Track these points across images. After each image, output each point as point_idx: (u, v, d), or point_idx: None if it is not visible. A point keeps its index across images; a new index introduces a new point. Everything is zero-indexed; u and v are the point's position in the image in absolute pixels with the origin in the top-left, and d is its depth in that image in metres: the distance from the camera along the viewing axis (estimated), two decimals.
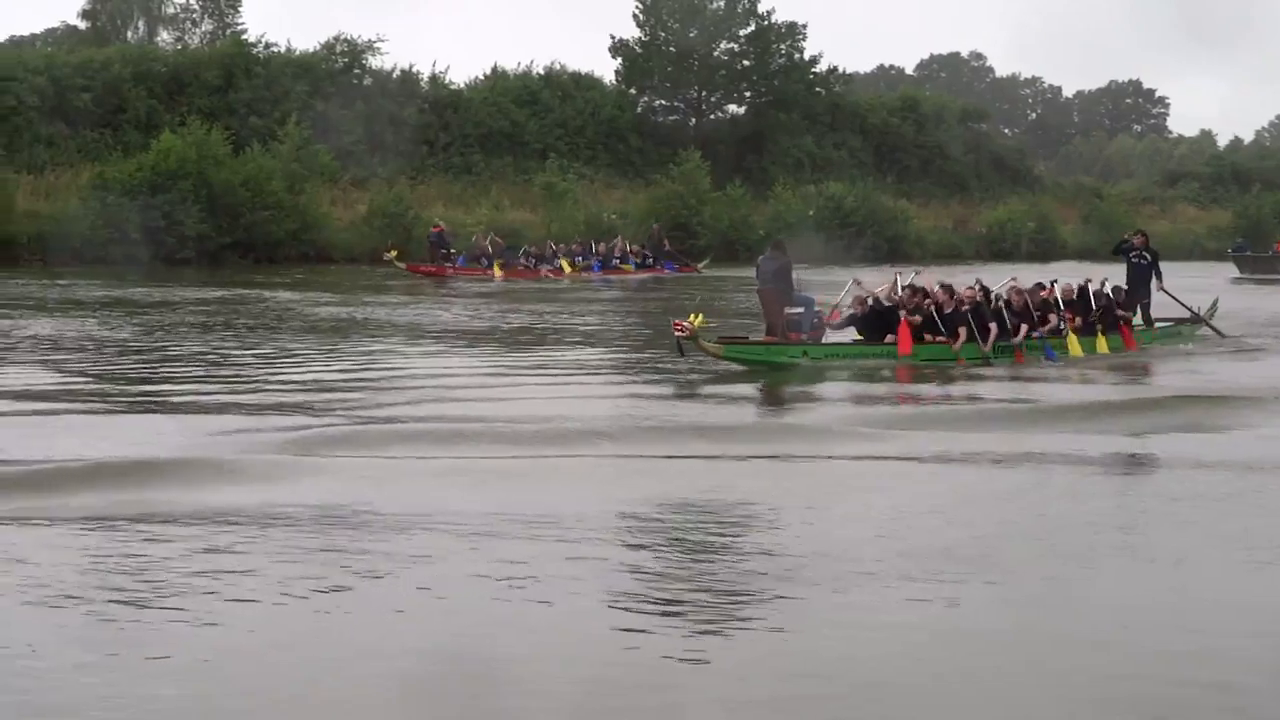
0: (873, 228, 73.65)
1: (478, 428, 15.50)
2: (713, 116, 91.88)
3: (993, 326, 23.73)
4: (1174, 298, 29.13)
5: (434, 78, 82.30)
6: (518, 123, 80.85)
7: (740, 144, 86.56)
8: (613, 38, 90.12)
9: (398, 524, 10.74)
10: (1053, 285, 26.17)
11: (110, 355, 23.93)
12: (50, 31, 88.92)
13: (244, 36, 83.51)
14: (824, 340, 23.76)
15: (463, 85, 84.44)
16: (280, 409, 17.31)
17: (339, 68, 77.68)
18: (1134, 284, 28.14)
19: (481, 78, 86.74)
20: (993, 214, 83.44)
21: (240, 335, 27.87)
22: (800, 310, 23.56)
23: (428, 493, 12.17)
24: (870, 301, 24.24)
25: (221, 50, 77.65)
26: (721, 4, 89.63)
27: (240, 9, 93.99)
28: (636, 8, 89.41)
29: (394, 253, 51.66)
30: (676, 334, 21.81)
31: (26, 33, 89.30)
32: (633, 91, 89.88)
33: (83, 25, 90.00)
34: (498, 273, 50.40)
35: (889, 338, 23.43)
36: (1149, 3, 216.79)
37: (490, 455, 14.01)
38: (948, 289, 24.36)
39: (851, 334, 24.36)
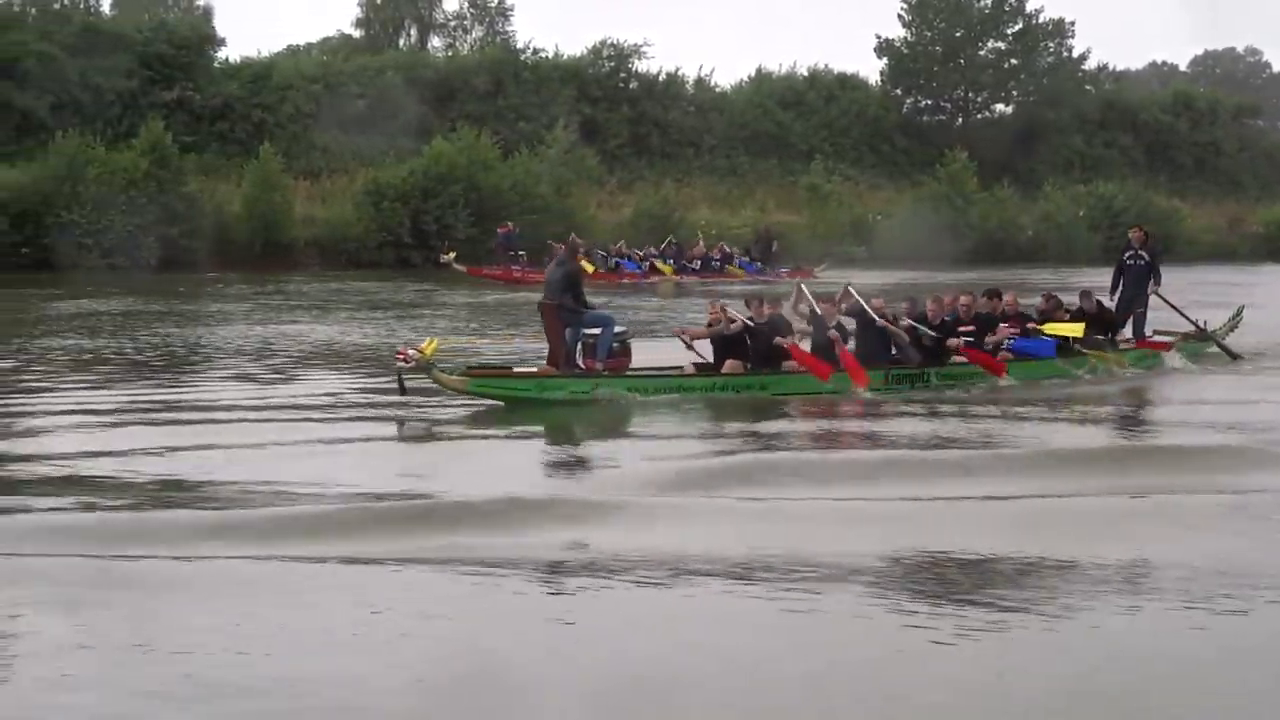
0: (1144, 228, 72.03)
1: None
2: (979, 116, 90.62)
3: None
4: (1171, 305, 24.82)
5: (699, 80, 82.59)
6: (782, 124, 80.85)
7: (1007, 143, 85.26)
8: (878, 38, 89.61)
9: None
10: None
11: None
12: (326, 40, 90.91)
13: (513, 42, 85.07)
14: (630, 369, 19.22)
15: (728, 87, 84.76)
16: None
17: (606, 72, 78.36)
18: (1126, 290, 24.20)
19: (746, 80, 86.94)
20: (1269, 213, 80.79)
21: None
22: (596, 331, 19.00)
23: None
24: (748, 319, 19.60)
25: (491, 56, 78.84)
26: (988, 2, 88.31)
27: (511, 16, 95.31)
28: (902, 8, 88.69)
29: (452, 254, 49.12)
30: (398, 364, 17.63)
31: (303, 42, 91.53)
32: (898, 92, 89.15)
33: (357, 34, 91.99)
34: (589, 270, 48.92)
35: (729, 364, 19.17)
36: None
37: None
38: (830, 299, 20.55)
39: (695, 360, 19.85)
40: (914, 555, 10.32)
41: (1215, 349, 24.20)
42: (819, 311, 20.03)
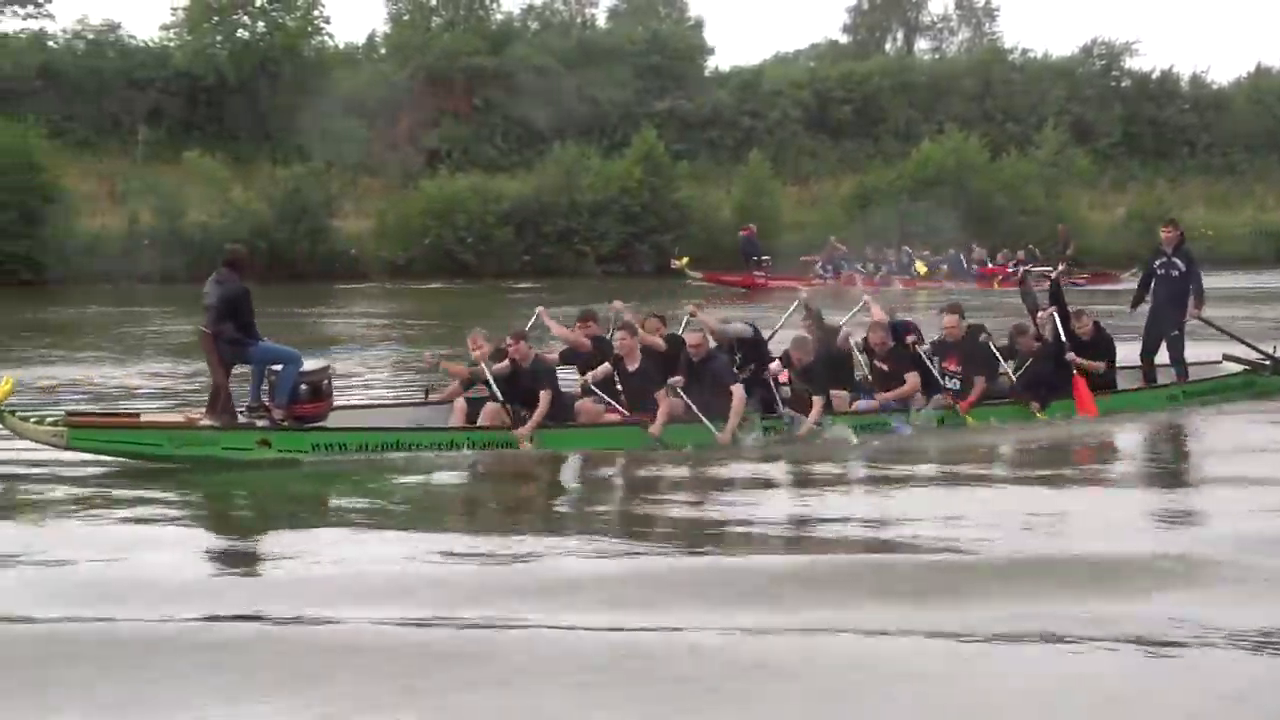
0: None
1: None
2: None
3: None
4: (1222, 330, 19.61)
5: (1195, 77, 79.85)
6: None
7: None
8: None
9: None
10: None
11: None
12: (814, 47, 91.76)
13: (1000, 43, 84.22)
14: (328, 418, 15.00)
15: (1225, 84, 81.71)
16: None
17: (1096, 70, 76.64)
18: (1156, 307, 18.94)
19: (1245, 76, 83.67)
20: None
21: None
22: (279, 368, 14.63)
23: None
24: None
25: (979, 58, 78.22)
26: None
27: (997, 16, 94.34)
28: None
29: (684, 260, 46.31)
30: None
31: (792, 50, 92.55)
32: None
33: (844, 39, 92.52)
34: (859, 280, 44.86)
35: (486, 411, 15.25)
36: None
37: None
38: (628, 327, 16.13)
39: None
40: None
41: None
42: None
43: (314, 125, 57.76)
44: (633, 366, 15.64)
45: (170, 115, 56.89)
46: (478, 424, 15.16)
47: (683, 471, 14.40)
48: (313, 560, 10.60)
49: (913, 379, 16.53)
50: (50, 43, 60.36)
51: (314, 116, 58.05)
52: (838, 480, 14.34)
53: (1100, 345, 17.87)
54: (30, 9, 61.43)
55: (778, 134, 66.87)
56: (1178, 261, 18.75)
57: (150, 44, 61.90)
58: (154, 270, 45.88)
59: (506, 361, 15.42)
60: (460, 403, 15.51)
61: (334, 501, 13.35)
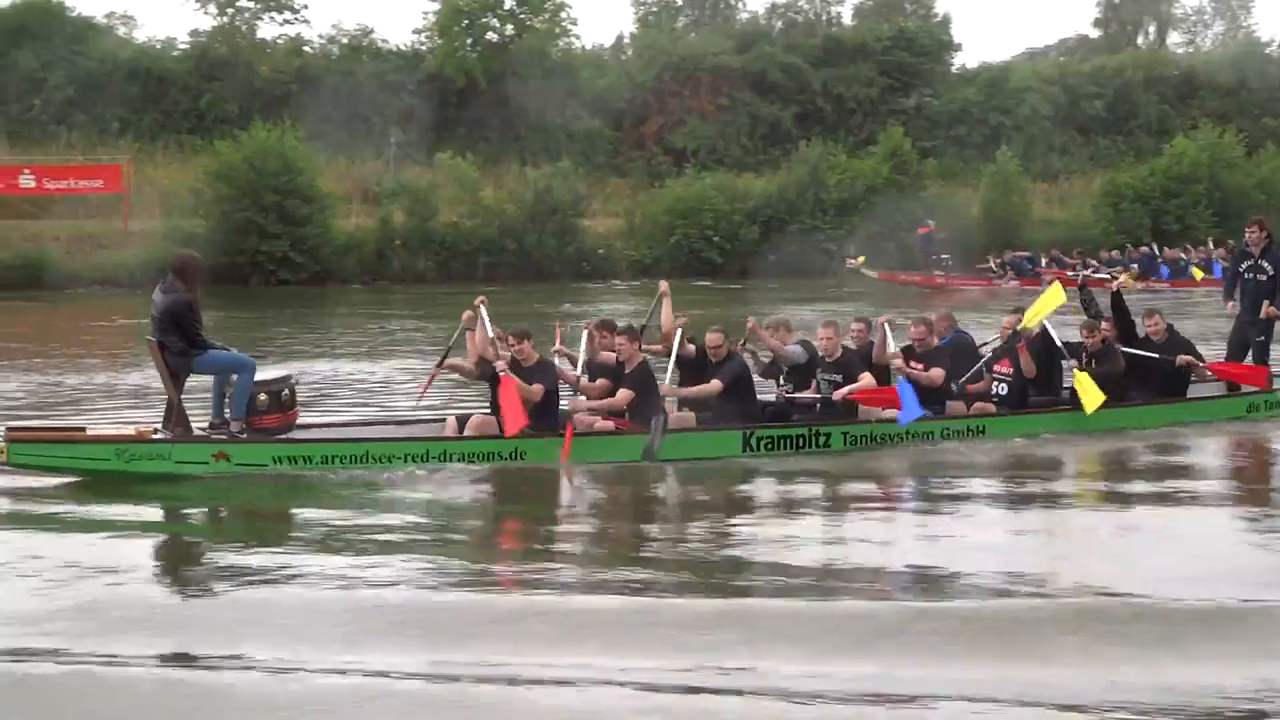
0: None
1: None
2: None
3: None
4: None
5: None
6: None
7: None
8: None
9: None
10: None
11: None
12: (1063, 42, 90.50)
13: (1256, 36, 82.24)
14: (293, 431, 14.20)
15: None
16: None
17: None
18: (1243, 313, 17.73)
19: None
20: None
21: None
22: (234, 376, 13.83)
23: None
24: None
25: (1234, 51, 76.41)
26: None
27: (1252, 9, 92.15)
28: None
29: (860, 259, 44.88)
30: None
31: (1041, 45, 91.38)
32: None
33: (1094, 34, 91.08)
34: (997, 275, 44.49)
35: (474, 421, 14.49)
36: None
37: None
38: (608, 325, 15.78)
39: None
40: None
41: None
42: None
43: (563, 126, 58.51)
44: (629, 369, 14.99)
45: (422, 117, 57.84)
46: (463, 435, 14.33)
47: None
48: (272, 588, 9.71)
49: (935, 372, 15.53)
50: (306, 48, 61.98)
51: (563, 118, 58.78)
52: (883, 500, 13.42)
53: (1176, 348, 16.91)
54: (287, 15, 62.98)
55: (1027, 130, 65.90)
56: (1265, 264, 17.45)
57: (402, 48, 63.26)
58: (405, 270, 47.11)
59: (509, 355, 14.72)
60: (452, 420, 14.71)
61: (296, 520, 12.43)
